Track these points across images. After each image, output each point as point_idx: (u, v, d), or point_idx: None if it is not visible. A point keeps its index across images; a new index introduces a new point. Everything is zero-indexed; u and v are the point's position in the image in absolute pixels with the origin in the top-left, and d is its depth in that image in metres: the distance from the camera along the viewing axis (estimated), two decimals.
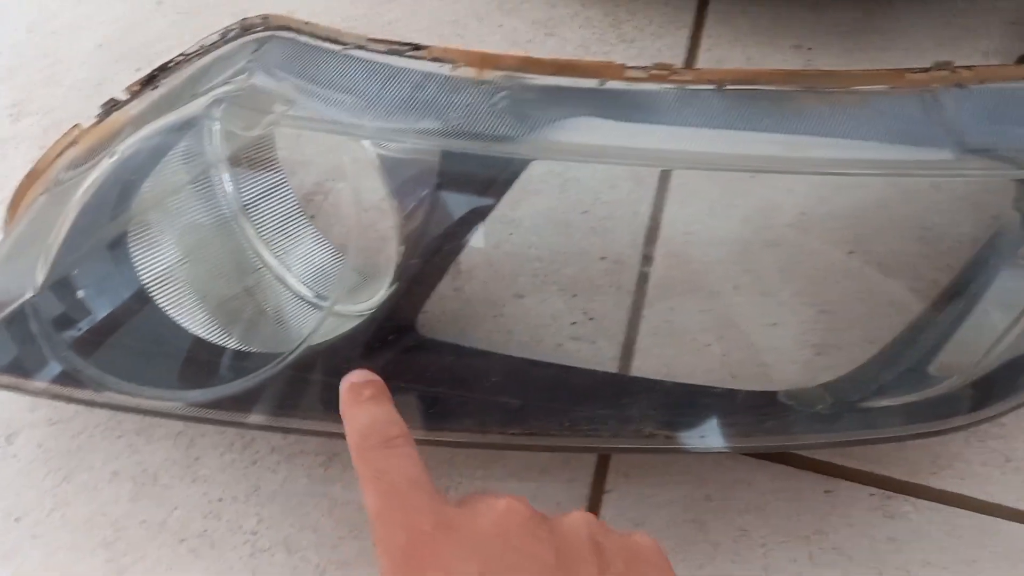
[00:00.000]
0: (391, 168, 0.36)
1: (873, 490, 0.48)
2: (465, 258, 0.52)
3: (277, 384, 0.39)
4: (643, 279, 0.52)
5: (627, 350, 0.51)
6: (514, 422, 0.39)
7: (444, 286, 0.51)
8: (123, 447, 0.47)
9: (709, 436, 0.40)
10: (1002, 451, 0.48)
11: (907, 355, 0.41)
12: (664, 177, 0.55)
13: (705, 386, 0.42)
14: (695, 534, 0.47)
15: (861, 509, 0.47)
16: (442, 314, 0.50)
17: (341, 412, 0.36)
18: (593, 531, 0.31)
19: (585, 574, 0.28)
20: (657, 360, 0.50)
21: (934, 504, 0.47)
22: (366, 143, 0.35)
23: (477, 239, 0.50)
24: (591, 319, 0.51)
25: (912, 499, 0.48)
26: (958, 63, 0.40)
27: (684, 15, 0.60)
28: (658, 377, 0.48)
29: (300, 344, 0.38)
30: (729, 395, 0.39)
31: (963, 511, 0.47)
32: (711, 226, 0.54)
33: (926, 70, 0.39)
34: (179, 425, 0.48)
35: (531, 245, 0.53)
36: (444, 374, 0.39)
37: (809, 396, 0.41)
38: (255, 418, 0.41)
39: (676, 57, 0.59)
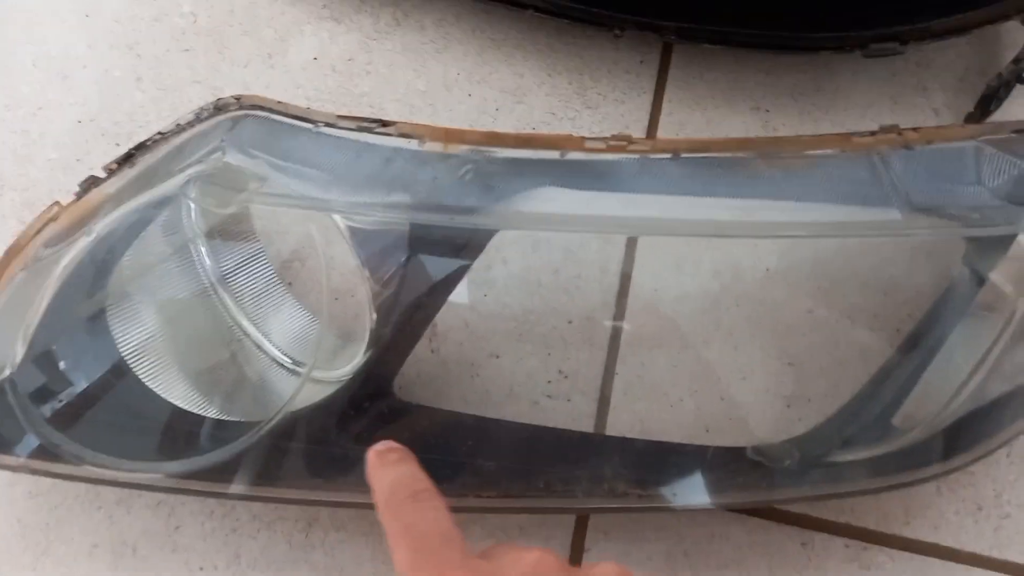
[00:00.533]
0: (362, 240, 0.37)
1: (848, 541, 0.48)
2: (441, 320, 0.53)
3: (256, 453, 0.40)
4: (615, 336, 0.53)
5: (602, 406, 0.51)
6: (489, 485, 0.40)
7: (421, 348, 0.52)
8: (102, 518, 0.48)
9: (681, 493, 0.40)
10: (973, 499, 0.49)
11: (869, 408, 0.43)
12: (632, 236, 0.56)
13: (675, 443, 0.43)
14: None
15: (837, 560, 0.48)
16: (418, 376, 0.51)
17: (368, 476, 0.36)
18: None
19: None
20: (632, 415, 0.51)
21: (909, 554, 0.48)
22: (337, 217, 0.36)
23: (457, 298, 0.52)
24: (566, 377, 0.52)
25: (887, 549, 0.48)
26: (904, 126, 0.42)
27: (645, 81, 0.62)
28: (633, 433, 0.49)
29: (279, 412, 0.39)
30: (699, 452, 0.40)
31: (937, 560, 0.48)
32: (680, 282, 0.55)
33: (873, 133, 0.41)
34: (159, 495, 0.48)
35: (505, 306, 0.54)
36: (419, 438, 0.40)
37: (776, 451, 0.42)
38: (235, 488, 0.41)
39: (639, 121, 0.61)
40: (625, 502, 0.40)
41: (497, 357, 0.53)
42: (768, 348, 0.53)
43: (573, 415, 0.51)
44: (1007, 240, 0.40)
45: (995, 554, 0.48)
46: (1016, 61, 0.54)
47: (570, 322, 0.53)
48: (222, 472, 0.41)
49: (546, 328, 0.54)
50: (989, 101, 0.58)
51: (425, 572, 0.31)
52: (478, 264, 0.51)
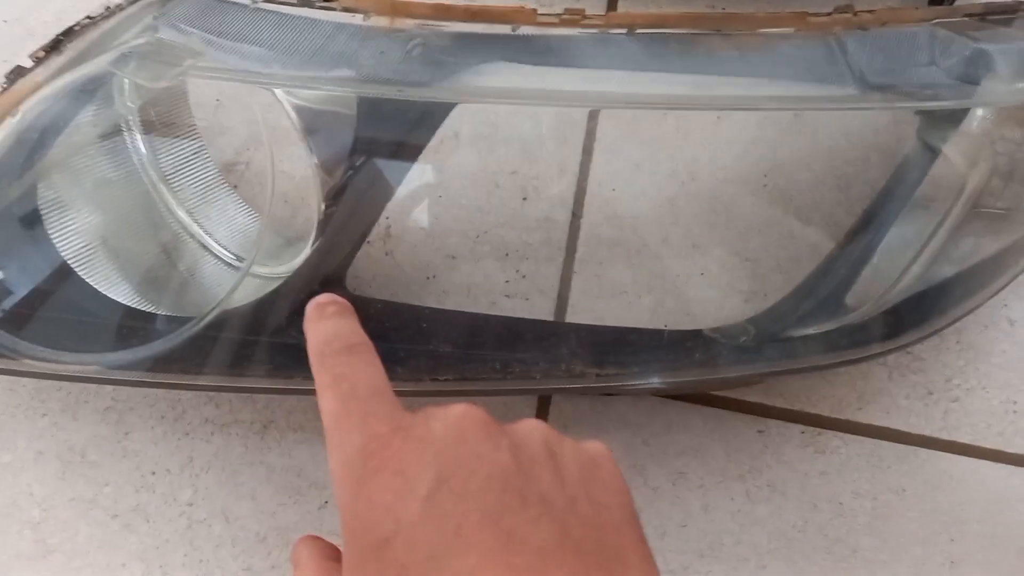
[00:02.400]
0: (308, 119, 0.36)
1: (803, 427, 0.49)
2: (395, 222, 0.52)
3: (199, 345, 0.39)
4: (573, 236, 0.53)
5: (560, 305, 0.51)
6: (446, 369, 0.39)
7: (375, 250, 0.51)
8: (47, 425, 0.46)
9: (639, 373, 0.40)
10: (924, 384, 0.50)
11: (822, 286, 0.43)
12: (590, 135, 0.55)
13: (632, 327, 0.43)
14: (635, 479, 0.47)
15: (793, 446, 0.49)
16: (373, 279, 0.50)
17: (304, 328, 0.35)
18: (548, 437, 0.30)
19: (541, 478, 0.28)
20: (590, 314, 0.51)
21: (861, 438, 0.49)
22: (279, 92, 0.35)
23: (412, 199, 0.51)
24: (524, 277, 0.52)
25: (840, 434, 0.49)
26: (859, 7, 0.41)
27: None
28: None
29: (217, 304, 0.38)
30: (655, 333, 0.40)
31: (889, 443, 0.49)
32: (638, 182, 0.55)
33: (828, 14, 0.40)
34: (107, 400, 0.47)
35: (461, 207, 0.53)
36: (373, 329, 0.39)
37: (733, 330, 0.42)
38: (180, 378, 0.40)
39: (597, 5, 0.59)
40: (584, 382, 0.40)
41: (454, 258, 0.52)
42: (726, 245, 0.52)
43: (531, 314, 0.51)
44: (959, 115, 0.40)
45: (943, 435, 0.49)
46: None
47: (529, 223, 0.52)
48: (164, 363, 0.39)
49: (504, 229, 0.53)
50: None
51: (349, 422, 0.29)
52: (433, 163, 0.51)
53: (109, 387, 0.47)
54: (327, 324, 0.34)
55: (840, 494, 0.48)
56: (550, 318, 0.51)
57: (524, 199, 0.54)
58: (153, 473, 0.46)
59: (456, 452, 0.28)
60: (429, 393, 0.40)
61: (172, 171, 0.47)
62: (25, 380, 0.47)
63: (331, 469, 0.29)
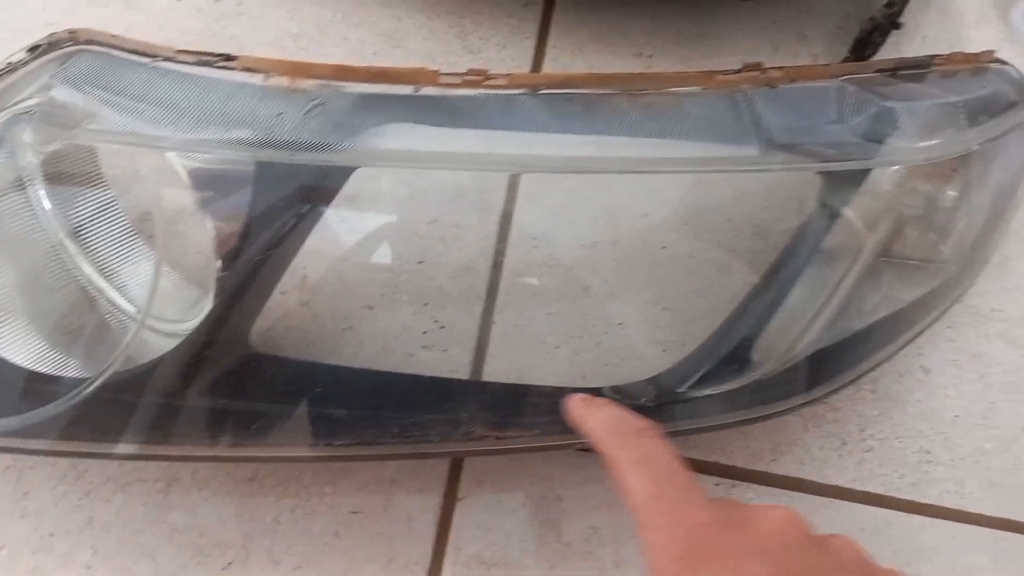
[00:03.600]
0: (202, 181, 0.35)
1: (718, 479, 0.49)
2: (312, 272, 0.51)
3: (95, 407, 0.38)
4: (493, 285, 0.53)
5: (479, 356, 0.51)
6: (342, 433, 0.38)
7: (290, 301, 0.50)
8: None
9: (539, 434, 0.40)
10: (838, 434, 0.50)
11: (725, 344, 0.43)
12: (512, 183, 0.56)
13: (532, 385, 0.43)
14: (548, 535, 0.47)
15: None
16: (288, 330, 0.50)
17: (573, 417, 0.36)
18: (858, 556, 0.30)
19: None
20: (508, 364, 0.51)
21: (775, 489, 0.49)
22: (171, 155, 0.34)
23: (328, 249, 0.50)
24: (442, 327, 0.51)
25: (755, 486, 0.49)
26: (768, 64, 0.42)
27: (528, 25, 0.61)
28: (510, 380, 0.48)
29: (109, 365, 0.37)
30: (556, 393, 0.40)
31: (802, 494, 0.49)
32: (559, 231, 0.55)
33: (737, 71, 0.40)
34: (7, 459, 0.46)
35: (380, 256, 0.52)
36: (271, 389, 0.39)
37: (633, 389, 0.42)
38: (77, 446, 0.39)
39: (522, 67, 0.60)
40: (484, 445, 0.40)
41: (371, 309, 0.51)
42: (645, 294, 0.53)
43: (449, 366, 0.50)
44: (860, 176, 0.41)
45: (856, 486, 0.49)
46: (888, 5, 0.55)
47: (448, 272, 0.52)
48: (60, 428, 0.38)
49: (423, 278, 0.53)
50: (864, 46, 0.59)
51: (668, 505, 0.30)
52: (350, 214, 0.50)
53: None
54: (608, 410, 0.35)
55: None
56: (468, 368, 0.50)
57: (444, 249, 0.53)
58: (52, 535, 0.44)
59: (784, 557, 0.28)
60: (325, 459, 0.40)
61: (81, 225, 0.46)
62: None
63: (648, 547, 0.29)
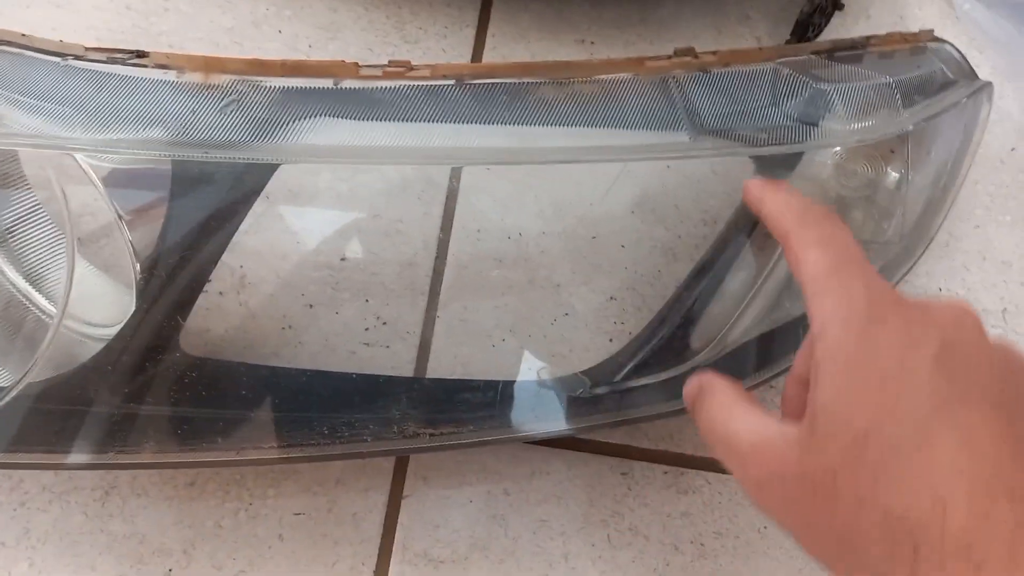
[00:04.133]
0: (117, 182, 0.34)
1: (667, 467, 0.49)
2: (250, 272, 0.50)
3: (18, 415, 0.37)
4: (437, 279, 0.52)
5: (423, 352, 0.50)
6: (269, 436, 0.38)
7: (229, 301, 0.49)
8: None
9: (474, 431, 0.39)
10: None
11: (659, 333, 0.43)
12: (455, 175, 0.55)
13: (465, 380, 0.42)
14: (496, 530, 0.47)
15: (656, 487, 0.48)
16: (226, 331, 0.48)
17: (751, 198, 0.36)
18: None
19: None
20: (453, 359, 0.50)
21: (724, 476, 0.49)
22: (79, 156, 0.33)
23: (263, 247, 0.49)
24: (384, 323, 0.50)
25: (704, 473, 0.49)
26: (706, 48, 0.41)
27: (468, 14, 0.60)
28: (455, 375, 0.48)
29: (27, 371, 0.36)
30: (489, 387, 0.39)
31: None
32: (504, 221, 0.54)
33: (669, 57, 0.40)
34: None
35: (320, 253, 0.51)
36: (198, 392, 0.38)
37: (568, 381, 0.42)
38: (5, 457, 0.38)
39: (463, 56, 0.59)
40: (417, 442, 0.39)
41: (311, 307, 0.50)
42: (591, 283, 0.52)
43: (392, 362, 0.50)
44: (793, 159, 0.41)
45: None
46: None
47: (391, 267, 0.51)
48: None
49: (365, 274, 0.52)
50: (805, 28, 0.58)
51: (848, 276, 0.30)
52: (288, 210, 0.49)
53: None
54: (790, 193, 0.35)
55: (702, 535, 0.47)
56: (412, 364, 0.50)
57: (387, 242, 0.53)
58: None
59: (957, 332, 0.29)
60: (256, 462, 0.39)
61: (6, 230, 0.44)
62: None
63: (822, 312, 0.30)
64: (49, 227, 0.46)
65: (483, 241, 0.53)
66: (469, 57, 0.59)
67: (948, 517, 0.26)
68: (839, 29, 0.60)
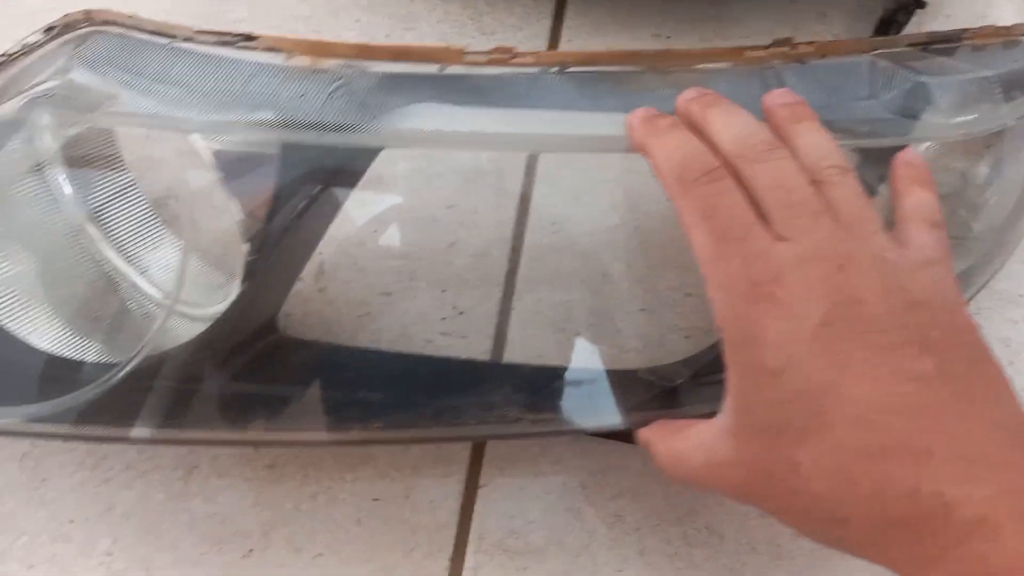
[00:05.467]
0: (227, 164, 0.35)
1: None
2: (328, 258, 0.50)
3: (125, 392, 0.37)
4: (512, 271, 0.52)
5: (498, 342, 0.50)
6: (375, 417, 0.38)
7: (306, 287, 0.49)
8: None
9: (575, 417, 0.39)
10: None
11: None
12: (531, 166, 0.55)
13: (567, 367, 0.42)
14: (571, 523, 0.46)
15: None
16: (305, 316, 0.49)
17: (638, 143, 0.34)
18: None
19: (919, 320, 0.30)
20: (528, 351, 0.50)
21: None
22: (195, 137, 0.33)
23: (344, 234, 0.49)
24: (461, 313, 0.51)
25: None
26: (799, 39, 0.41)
27: (544, 6, 0.60)
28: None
29: (138, 350, 0.36)
30: (591, 375, 0.39)
31: None
32: (579, 214, 0.54)
33: (766, 47, 0.40)
34: (24, 446, 0.45)
35: (397, 242, 0.52)
36: (303, 373, 0.38)
37: (668, 371, 0.42)
38: (104, 431, 0.39)
39: (538, 48, 0.59)
40: (519, 428, 0.39)
41: (389, 295, 0.51)
42: (667, 280, 0.52)
43: (468, 352, 0.50)
44: (894, 152, 0.40)
45: None
46: None
47: (466, 257, 0.51)
48: (89, 415, 0.38)
49: (441, 264, 0.52)
50: (888, 26, 0.58)
51: (730, 263, 0.30)
52: (367, 198, 0.49)
53: None
54: (672, 141, 0.33)
55: (779, 535, 0.47)
56: (487, 356, 0.50)
57: (462, 233, 0.53)
58: (71, 521, 0.44)
59: (845, 289, 0.30)
60: (355, 442, 0.39)
61: (101, 208, 0.45)
62: None
63: (713, 301, 0.31)
64: (143, 206, 0.47)
65: (558, 233, 0.53)
66: (545, 48, 0.59)
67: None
68: (918, 28, 0.60)
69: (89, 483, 0.45)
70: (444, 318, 0.50)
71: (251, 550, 0.44)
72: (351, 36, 0.57)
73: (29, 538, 0.43)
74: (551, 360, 0.49)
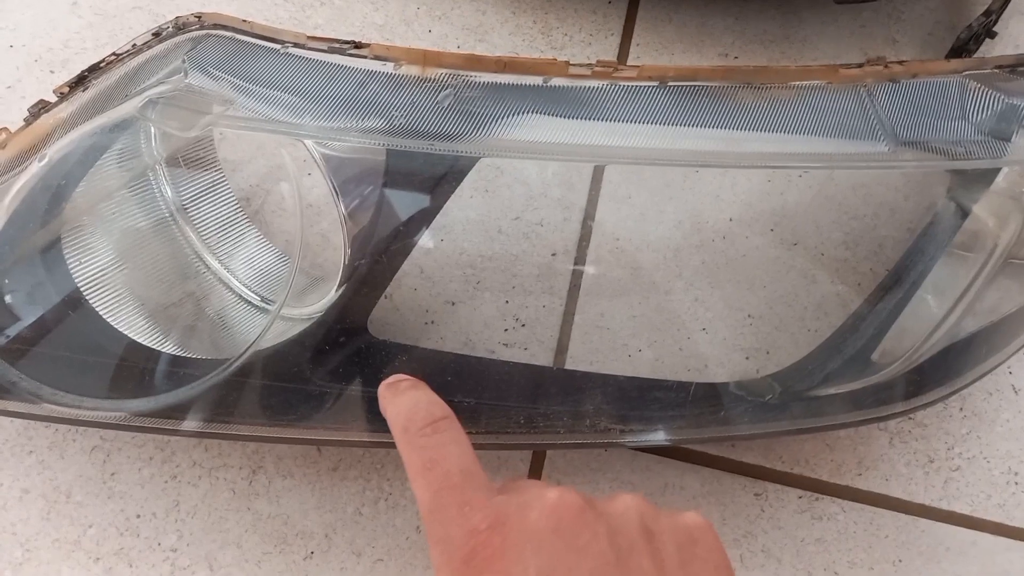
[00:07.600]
0: (335, 168, 0.35)
1: (801, 492, 0.49)
2: None
3: (224, 390, 0.37)
4: (575, 285, 0.52)
5: (559, 355, 0.50)
6: (470, 421, 0.38)
7: None
8: (33, 463, 0.44)
9: (663, 429, 0.39)
10: (924, 452, 0.50)
11: (850, 343, 0.42)
12: (596, 181, 0.55)
13: (657, 380, 0.42)
14: None
15: (790, 511, 0.48)
16: (371, 323, 0.49)
17: (382, 408, 0.35)
18: (644, 515, 0.30)
19: (641, 566, 0.28)
20: (589, 365, 0.50)
21: (860, 505, 0.48)
22: (309, 143, 0.34)
23: (426, 240, 0.50)
24: (523, 325, 0.51)
25: (839, 500, 0.49)
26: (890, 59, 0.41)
27: (613, 23, 0.60)
28: None
29: (248, 348, 0.37)
30: (682, 387, 0.39)
31: (888, 511, 0.48)
32: (642, 230, 0.54)
33: (860, 65, 0.40)
34: (94, 439, 0.45)
35: (463, 251, 0.52)
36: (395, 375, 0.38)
37: (758, 386, 0.42)
38: (201, 426, 0.39)
39: (609, 53, 0.59)
40: (608, 437, 0.39)
41: (453, 304, 0.51)
42: (729, 300, 0.52)
43: (531, 363, 0.50)
44: (990, 174, 0.40)
45: (942, 505, 0.49)
46: (986, 14, 0.54)
47: (529, 269, 0.51)
48: (188, 410, 0.38)
49: (505, 275, 0.52)
50: (959, 54, 0.58)
51: (446, 515, 0.29)
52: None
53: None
54: (405, 399, 0.34)
55: (835, 563, 0.47)
56: (549, 365, 0.50)
57: (527, 244, 0.53)
58: (138, 516, 0.44)
59: (554, 547, 0.28)
60: None
61: (191, 204, 0.45)
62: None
63: (432, 557, 0.29)
64: (236, 209, 0.47)
65: (622, 249, 0.53)
66: (615, 55, 0.59)
67: None
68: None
69: (157, 478, 0.45)
70: (507, 329, 0.50)
71: (312, 552, 0.45)
72: (423, 45, 0.57)
73: (97, 530, 0.44)
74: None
